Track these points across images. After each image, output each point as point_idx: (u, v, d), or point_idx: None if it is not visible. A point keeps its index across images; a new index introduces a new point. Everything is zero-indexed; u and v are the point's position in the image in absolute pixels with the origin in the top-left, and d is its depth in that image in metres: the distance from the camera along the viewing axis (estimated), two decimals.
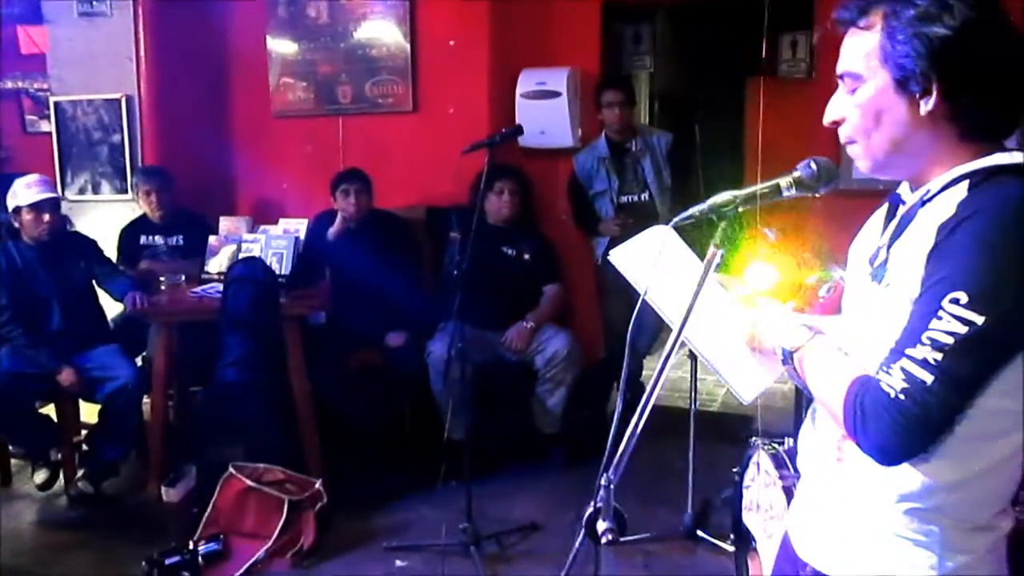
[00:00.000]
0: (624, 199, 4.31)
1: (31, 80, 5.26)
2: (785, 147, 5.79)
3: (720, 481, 3.33)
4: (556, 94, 4.37)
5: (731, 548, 2.84)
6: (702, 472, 3.35)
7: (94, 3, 4.74)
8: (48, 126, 5.06)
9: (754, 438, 2.63)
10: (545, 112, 4.36)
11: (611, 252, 1.43)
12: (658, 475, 3.68)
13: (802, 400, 2.96)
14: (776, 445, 2.50)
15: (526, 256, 4.22)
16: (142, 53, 4.77)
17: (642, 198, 4.32)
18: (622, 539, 3.31)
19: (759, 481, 2.55)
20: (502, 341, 4.05)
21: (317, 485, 3.37)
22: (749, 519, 2.63)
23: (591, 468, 1.23)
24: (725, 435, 3.97)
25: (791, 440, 2.58)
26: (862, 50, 1.19)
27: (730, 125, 6.78)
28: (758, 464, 2.56)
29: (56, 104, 4.94)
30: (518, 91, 4.44)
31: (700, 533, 3.29)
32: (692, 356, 3.40)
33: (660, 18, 6.12)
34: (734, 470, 2.72)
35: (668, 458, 3.56)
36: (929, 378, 1.06)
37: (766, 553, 2.46)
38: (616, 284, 4.53)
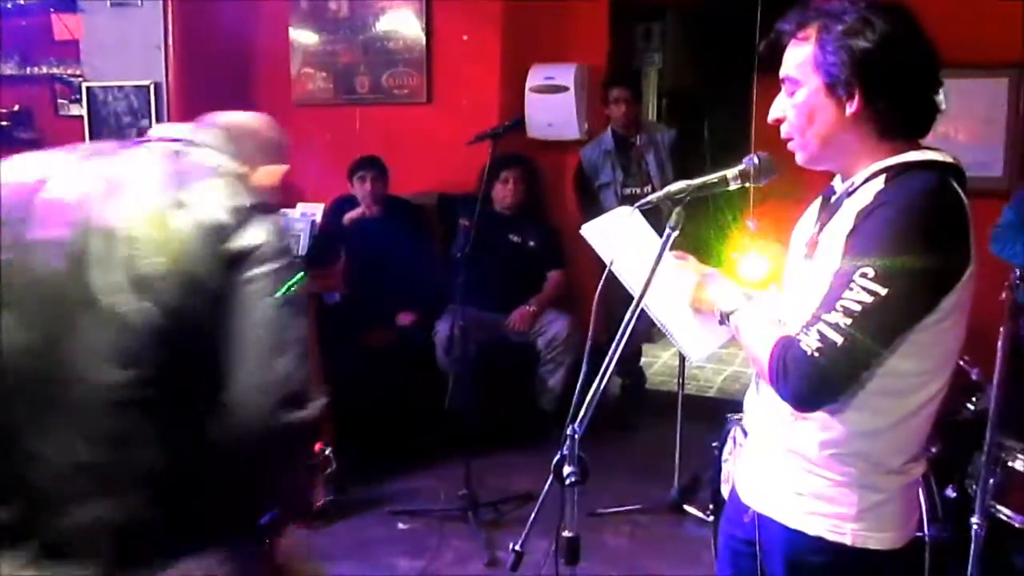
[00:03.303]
0: (628, 191, 4.49)
1: (64, 66, 5.48)
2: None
3: (710, 459, 3.52)
4: (564, 88, 4.56)
5: (711, 519, 3.03)
6: (694, 452, 3.51)
7: None
8: (79, 110, 5.29)
9: (731, 415, 2.82)
10: (553, 106, 4.56)
11: (583, 226, 1.62)
12: (653, 453, 3.89)
13: None
14: None
15: (531, 243, 4.42)
16: (170, 42, 4.99)
17: (645, 191, 4.48)
18: (612, 509, 3.49)
19: (735, 454, 2.74)
20: (506, 323, 4.26)
21: (327, 452, 3.58)
22: (726, 490, 2.82)
23: (587, 444, 1.39)
24: (719, 419, 4.15)
25: None
26: (799, 58, 1.39)
27: (738, 121, 6.94)
28: (734, 439, 2.75)
29: (88, 89, 5.18)
30: (527, 85, 4.63)
31: (686, 506, 3.49)
32: None
33: (670, 16, 6.28)
34: (713, 445, 2.91)
35: (663, 438, 3.76)
36: (840, 339, 1.25)
37: None
38: None
